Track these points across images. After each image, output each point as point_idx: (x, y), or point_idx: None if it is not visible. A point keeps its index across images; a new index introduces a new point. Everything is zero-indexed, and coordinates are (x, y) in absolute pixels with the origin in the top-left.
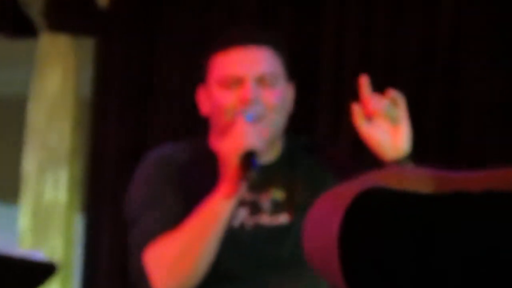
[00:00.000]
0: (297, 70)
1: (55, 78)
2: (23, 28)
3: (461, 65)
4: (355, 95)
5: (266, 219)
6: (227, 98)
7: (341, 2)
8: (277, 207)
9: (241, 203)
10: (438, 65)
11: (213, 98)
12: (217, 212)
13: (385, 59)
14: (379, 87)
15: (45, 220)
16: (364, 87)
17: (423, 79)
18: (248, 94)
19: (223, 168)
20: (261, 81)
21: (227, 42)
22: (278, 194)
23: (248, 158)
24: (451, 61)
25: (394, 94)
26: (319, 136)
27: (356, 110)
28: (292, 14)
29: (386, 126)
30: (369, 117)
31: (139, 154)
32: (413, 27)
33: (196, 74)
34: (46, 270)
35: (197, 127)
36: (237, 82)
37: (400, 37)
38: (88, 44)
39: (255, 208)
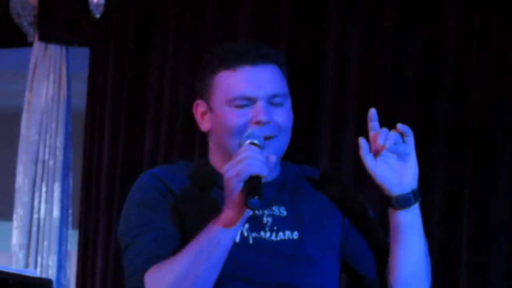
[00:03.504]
0: (298, 86)
1: (48, 90)
2: (16, 39)
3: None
4: (357, 110)
5: (267, 235)
6: (237, 119)
7: (344, 18)
8: (278, 224)
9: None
10: (444, 82)
11: (221, 118)
12: (218, 241)
13: (389, 74)
14: (382, 104)
15: (38, 236)
16: (372, 121)
17: (428, 96)
18: (261, 116)
19: (226, 193)
20: (272, 101)
21: (233, 59)
22: (280, 211)
23: (253, 184)
24: (458, 77)
25: (402, 128)
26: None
27: (363, 145)
28: (294, 26)
29: (393, 161)
30: (376, 152)
31: (133, 169)
32: (418, 41)
33: (194, 89)
34: (42, 287)
35: (192, 143)
36: (248, 102)
37: (404, 51)
38: (82, 55)
39: (255, 224)
